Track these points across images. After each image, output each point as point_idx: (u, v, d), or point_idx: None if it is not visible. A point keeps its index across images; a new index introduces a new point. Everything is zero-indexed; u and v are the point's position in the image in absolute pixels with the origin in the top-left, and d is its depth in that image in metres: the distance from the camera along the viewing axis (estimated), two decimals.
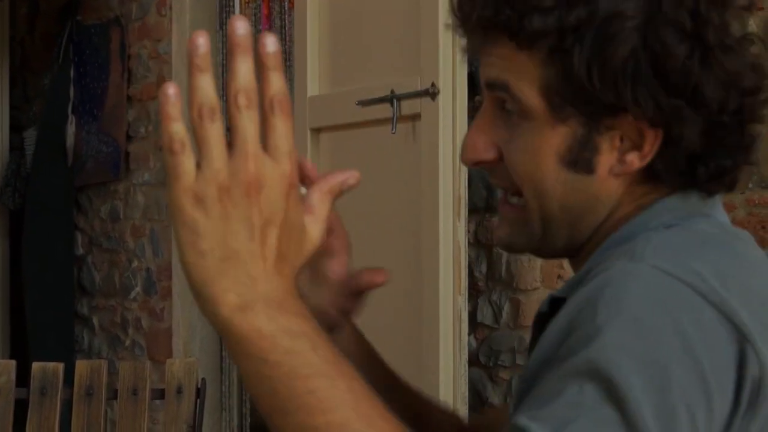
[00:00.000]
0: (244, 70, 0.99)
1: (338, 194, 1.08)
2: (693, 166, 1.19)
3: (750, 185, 2.78)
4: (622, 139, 1.19)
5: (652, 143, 1.18)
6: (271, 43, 1.00)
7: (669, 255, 1.11)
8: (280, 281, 1.00)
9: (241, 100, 0.98)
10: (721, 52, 1.16)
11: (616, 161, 1.20)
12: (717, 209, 1.25)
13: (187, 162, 0.97)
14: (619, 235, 1.21)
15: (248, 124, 0.98)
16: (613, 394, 1.01)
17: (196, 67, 0.97)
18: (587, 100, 1.16)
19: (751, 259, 1.19)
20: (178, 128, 0.97)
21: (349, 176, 1.09)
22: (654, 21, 1.15)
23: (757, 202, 2.77)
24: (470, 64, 3.15)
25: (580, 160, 1.19)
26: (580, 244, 1.25)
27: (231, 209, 0.97)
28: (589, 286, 1.09)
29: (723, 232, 1.22)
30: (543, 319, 1.21)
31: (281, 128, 1.00)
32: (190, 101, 0.97)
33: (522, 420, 1.02)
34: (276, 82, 1.00)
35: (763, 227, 2.77)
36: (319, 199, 1.06)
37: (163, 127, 0.97)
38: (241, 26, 0.98)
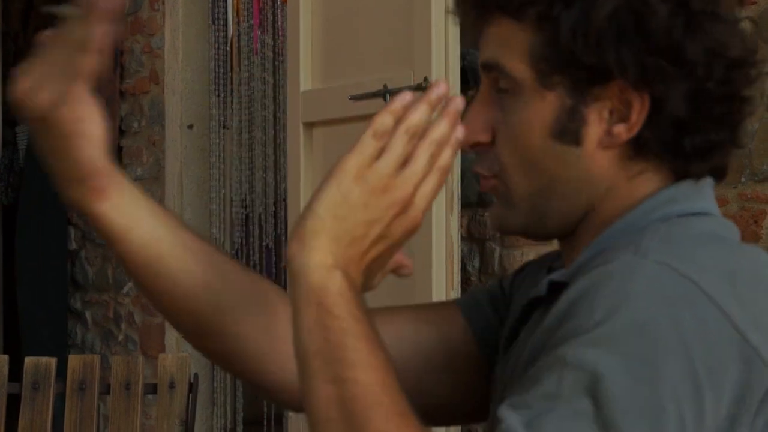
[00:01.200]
0: (442, 128, 1.13)
1: (390, 271, 1.27)
2: (680, 137, 1.20)
3: (742, 179, 2.78)
4: (609, 112, 1.20)
5: (638, 112, 1.19)
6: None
7: (676, 250, 1.11)
8: (364, 280, 1.14)
9: (431, 148, 1.12)
10: (705, 19, 1.18)
11: (604, 133, 1.21)
12: (714, 204, 1.25)
13: (373, 147, 1.12)
14: (623, 224, 1.21)
15: (425, 164, 1.12)
16: (593, 387, 1.01)
17: (428, 100, 1.13)
18: (573, 65, 1.19)
19: (757, 254, 1.19)
20: (389, 121, 1.12)
21: (407, 266, 1.30)
22: None
23: (749, 196, 2.77)
24: (463, 58, 3.15)
25: (567, 130, 1.20)
26: (574, 223, 1.25)
27: (372, 206, 1.11)
28: (591, 276, 1.10)
29: (728, 228, 1.23)
30: (538, 302, 1.22)
31: (436, 188, 1.14)
32: (407, 117, 1.12)
33: (503, 408, 1.04)
34: (447, 154, 1.14)
35: (756, 222, 2.77)
36: None
37: (385, 109, 1.13)
38: (443, 88, 1.14)
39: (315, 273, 1.09)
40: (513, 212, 1.25)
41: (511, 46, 1.22)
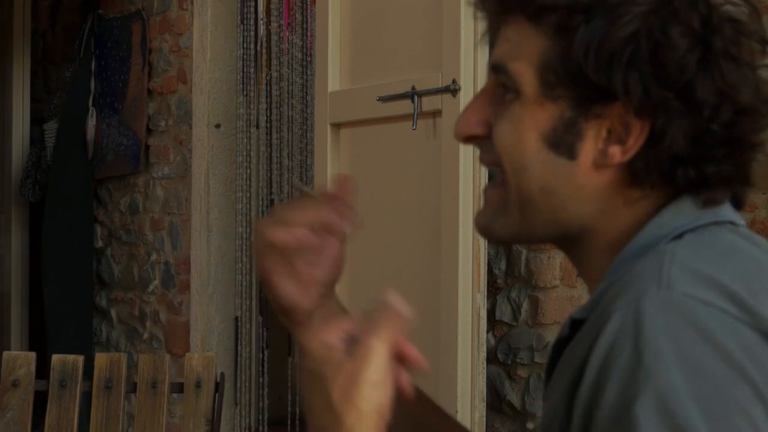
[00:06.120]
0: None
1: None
2: (674, 169, 1.18)
3: None
4: (608, 131, 1.19)
5: (636, 137, 1.17)
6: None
7: (697, 276, 1.10)
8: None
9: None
10: (723, 60, 1.16)
11: (599, 152, 1.19)
12: (729, 213, 1.23)
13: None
14: (633, 247, 1.19)
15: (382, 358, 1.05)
16: None
17: (383, 338, 1.05)
18: (580, 81, 1.17)
19: None
20: (335, 339, 1.06)
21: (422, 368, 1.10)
22: (662, 12, 1.15)
23: None
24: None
25: (562, 142, 1.20)
26: (568, 236, 1.24)
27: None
28: (618, 318, 1.08)
29: (740, 237, 1.20)
30: (564, 342, 1.20)
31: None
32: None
33: None
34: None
35: None
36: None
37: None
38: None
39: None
40: (504, 219, 1.25)
41: (523, 51, 1.21)
